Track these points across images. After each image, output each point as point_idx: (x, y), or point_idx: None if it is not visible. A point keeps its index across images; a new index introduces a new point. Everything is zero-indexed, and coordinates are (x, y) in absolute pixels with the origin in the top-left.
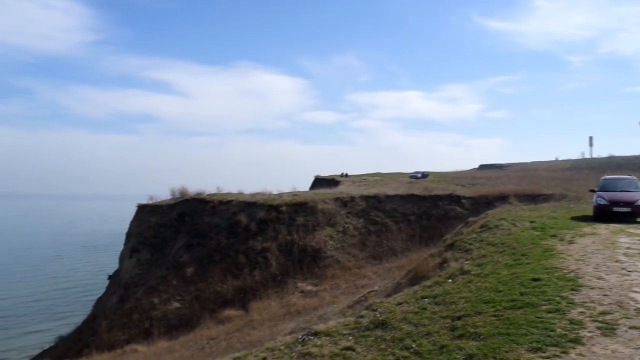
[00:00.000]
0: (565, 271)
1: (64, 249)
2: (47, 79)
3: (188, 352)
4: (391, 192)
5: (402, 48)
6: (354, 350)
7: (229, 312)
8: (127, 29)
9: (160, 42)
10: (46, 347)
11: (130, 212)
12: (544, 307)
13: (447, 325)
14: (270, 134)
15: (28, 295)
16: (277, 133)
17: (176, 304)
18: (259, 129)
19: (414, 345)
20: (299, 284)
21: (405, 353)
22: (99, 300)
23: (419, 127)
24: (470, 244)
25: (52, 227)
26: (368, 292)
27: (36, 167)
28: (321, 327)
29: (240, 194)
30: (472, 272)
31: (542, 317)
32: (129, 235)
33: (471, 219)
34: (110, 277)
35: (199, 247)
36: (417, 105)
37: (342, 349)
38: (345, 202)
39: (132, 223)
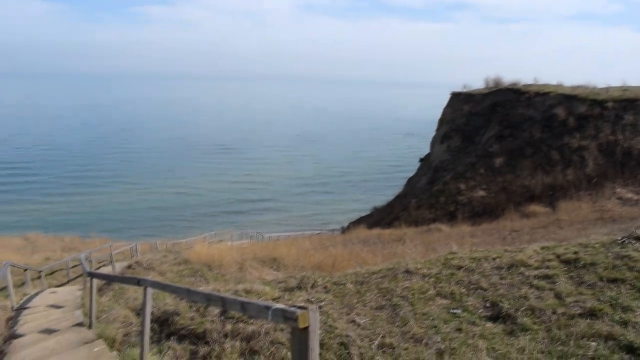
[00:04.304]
0: None
1: (383, 133)
2: None
3: (490, 239)
4: None
5: None
6: None
7: (534, 207)
8: None
9: None
10: (363, 214)
11: (443, 100)
12: None
13: None
14: (599, 19)
15: (354, 171)
16: (608, 19)
17: (482, 192)
18: (585, 13)
19: None
20: (618, 190)
21: None
22: (410, 180)
23: None
24: None
25: (372, 112)
26: None
27: (357, 55)
28: None
29: (559, 85)
30: None
31: None
32: (441, 121)
33: None
34: (421, 160)
35: (510, 138)
36: None
37: None
38: None
39: (444, 110)
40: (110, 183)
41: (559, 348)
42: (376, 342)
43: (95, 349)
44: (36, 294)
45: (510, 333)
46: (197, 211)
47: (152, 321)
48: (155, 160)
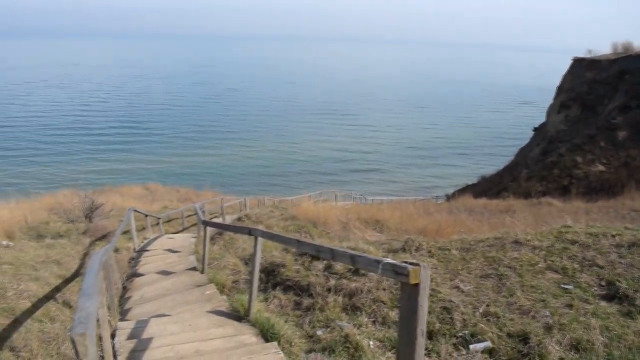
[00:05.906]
0: None
1: (496, 99)
2: None
3: (606, 217)
4: None
5: None
6: None
7: None
8: None
9: None
10: (469, 183)
11: (564, 66)
12: None
13: None
14: None
15: (463, 138)
16: None
17: (600, 167)
18: None
19: None
20: None
21: None
22: (522, 149)
23: None
24: None
25: (486, 77)
26: None
27: (474, 17)
28: None
29: None
30: None
31: None
32: (560, 89)
33: None
34: (535, 130)
35: (637, 110)
36: None
37: None
38: None
39: (565, 77)
40: (221, 144)
41: None
42: (480, 310)
43: (207, 292)
44: (155, 239)
45: (627, 314)
46: (303, 177)
47: (259, 271)
48: (264, 121)
